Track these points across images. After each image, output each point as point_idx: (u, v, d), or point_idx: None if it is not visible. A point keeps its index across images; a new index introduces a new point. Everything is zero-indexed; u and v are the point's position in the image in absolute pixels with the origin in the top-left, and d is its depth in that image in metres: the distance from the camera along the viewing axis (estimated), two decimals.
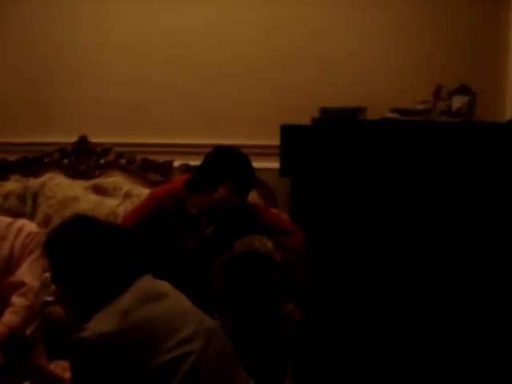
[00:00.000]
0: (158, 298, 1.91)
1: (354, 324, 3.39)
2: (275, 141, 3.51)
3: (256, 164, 3.07)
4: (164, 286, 2.03)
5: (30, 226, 2.72)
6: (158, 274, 2.84)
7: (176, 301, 1.98)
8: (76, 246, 1.92)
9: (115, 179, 3.78)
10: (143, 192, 3.56)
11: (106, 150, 3.85)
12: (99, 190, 3.73)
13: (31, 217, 3.68)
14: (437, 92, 3.55)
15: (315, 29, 3.84)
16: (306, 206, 3.48)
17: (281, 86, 3.86)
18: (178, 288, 2.81)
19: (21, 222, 2.74)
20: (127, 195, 3.66)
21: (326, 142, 3.41)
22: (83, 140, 3.87)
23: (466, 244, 3.35)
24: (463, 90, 3.53)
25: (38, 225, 3.50)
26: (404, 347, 3.37)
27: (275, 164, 3.54)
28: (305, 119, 3.54)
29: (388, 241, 3.38)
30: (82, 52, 4.01)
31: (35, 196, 3.75)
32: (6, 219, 2.74)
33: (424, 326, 3.37)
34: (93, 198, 3.68)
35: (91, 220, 2.04)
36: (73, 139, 3.87)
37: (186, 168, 3.74)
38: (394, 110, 3.48)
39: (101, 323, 1.76)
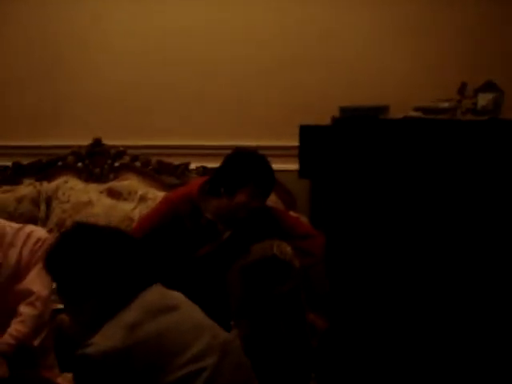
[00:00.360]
0: (169, 311, 1.80)
1: (379, 331, 3.27)
2: (294, 141, 3.41)
3: (274, 165, 2.99)
4: (175, 296, 1.91)
5: (38, 232, 2.63)
6: (174, 280, 2.76)
7: (188, 313, 1.86)
8: (76, 258, 1.82)
9: (130, 182, 3.70)
10: (158, 195, 3.47)
11: (120, 152, 3.77)
12: (114, 194, 3.66)
13: (45, 222, 3.64)
14: (461, 89, 3.42)
15: (334, 26, 3.73)
16: (327, 209, 3.37)
17: (299, 85, 3.76)
18: (193, 295, 2.73)
19: (29, 227, 2.65)
20: (142, 199, 3.58)
21: (347, 143, 3.29)
22: (97, 142, 3.79)
23: (495, 248, 3.22)
24: (489, 86, 3.39)
25: (51, 230, 3.47)
26: (433, 355, 3.25)
27: (294, 165, 3.42)
28: (325, 119, 3.42)
29: (413, 243, 3.26)
30: (96, 53, 3.93)
31: (49, 200, 3.69)
32: (15, 225, 2.65)
33: (452, 329, 3.24)
34: (107, 201, 3.61)
35: (90, 228, 1.93)
36: (87, 142, 3.80)
37: (202, 170, 3.67)
38: (417, 109, 3.35)
39: (105, 338, 1.66)
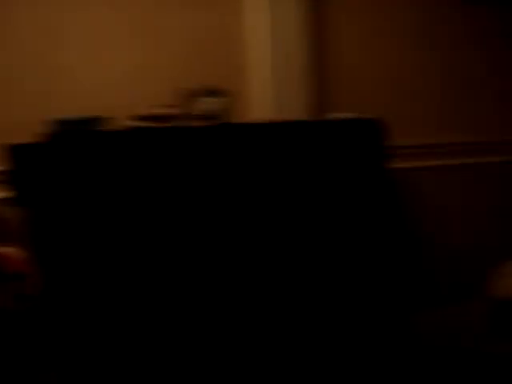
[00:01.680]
0: None
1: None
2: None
3: None
4: None
5: None
6: None
7: None
8: None
9: None
10: None
11: None
12: None
13: None
14: (182, 95, 3.24)
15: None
16: (47, 238, 2.99)
17: None
18: None
19: None
20: None
21: (59, 161, 2.95)
22: None
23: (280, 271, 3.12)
24: (212, 92, 3.26)
25: None
26: None
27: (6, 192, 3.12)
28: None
29: (157, 268, 3.02)
30: None
31: None
32: None
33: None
34: None
35: None
36: None
37: None
38: (135, 118, 3.09)
39: None
